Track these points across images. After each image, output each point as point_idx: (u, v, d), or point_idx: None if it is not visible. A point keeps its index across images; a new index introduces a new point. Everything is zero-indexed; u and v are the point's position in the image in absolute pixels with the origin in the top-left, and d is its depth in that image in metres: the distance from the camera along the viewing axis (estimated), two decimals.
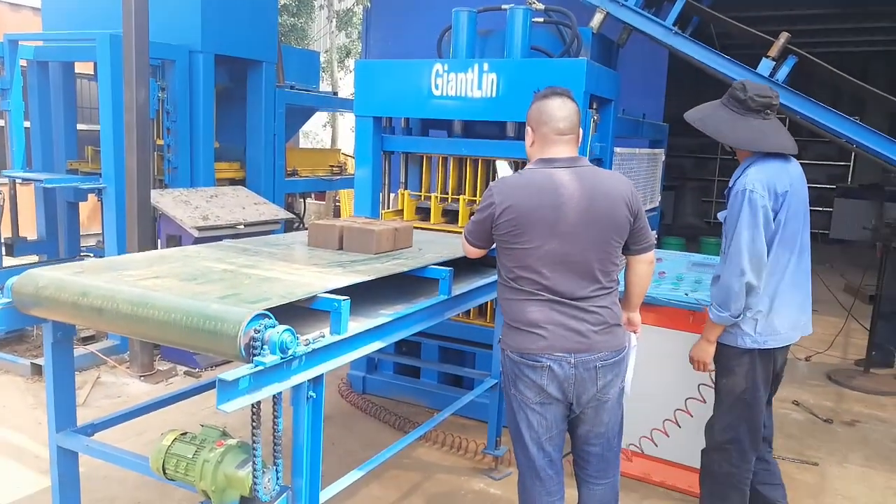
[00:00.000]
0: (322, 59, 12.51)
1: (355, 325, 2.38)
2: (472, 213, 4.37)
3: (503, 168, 4.05)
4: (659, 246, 6.50)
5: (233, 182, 6.47)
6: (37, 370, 4.93)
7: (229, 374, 1.84)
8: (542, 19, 4.56)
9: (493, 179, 4.03)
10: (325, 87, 13.85)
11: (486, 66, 4.10)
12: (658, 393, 3.64)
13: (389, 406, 4.63)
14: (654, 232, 4.56)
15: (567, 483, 2.67)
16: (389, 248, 3.25)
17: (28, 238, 6.49)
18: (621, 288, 2.70)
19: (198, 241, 4.73)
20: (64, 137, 6.26)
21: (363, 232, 3.20)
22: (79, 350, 4.98)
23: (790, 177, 2.77)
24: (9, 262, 6.29)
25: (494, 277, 3.29)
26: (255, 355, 1.93)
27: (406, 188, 4.80)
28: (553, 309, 2.45)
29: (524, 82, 3.96)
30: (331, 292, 2.36)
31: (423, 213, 4.64)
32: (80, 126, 6.56)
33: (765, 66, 4.63)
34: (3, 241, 6.10)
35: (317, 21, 17.35)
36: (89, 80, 7.12)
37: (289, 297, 2.25)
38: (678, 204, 13.30)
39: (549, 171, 2.48)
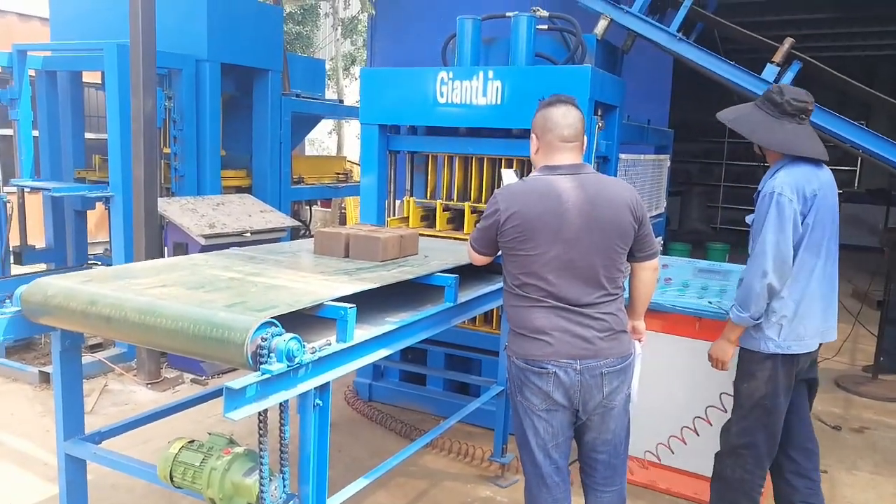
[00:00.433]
0: (327, 67, 12.57)
1: (361, 333, 2.39)
2: (476, 221, 4.40)
3: (508, 176, 4.06)
4: (665, 252, 6.50)
5: (239, 190, 6.50)
6: (45, 378, 4.96)
7: (236, 382, 1.84)
8: (546, 26, 4.57)
9: (499, 187, 4.05)
10: (330, 94, 13.92)
11: (490, 74, 4.11)
12: (676, 400, 3.62)
13: (395, 413, 4.62)
14: (660, 238, 4.55)
15: (574, 491, 2.67)
16: (395, 256, 3.26)
17: (36, 246, 6.53)
18: (626, 294, 2.71)
19: (204, 248, 4.75)
20: (72, 146, 6.30)
21: (369, 239, 3.21)
22: (86, 358, 5.00)
23: (820, 182, 2.77)
24: (17, 270, 6.33)
25: (500, 285, 3.29)
26: (261, 363, 1.94)
27: (412, 195, 4.82)
28: (559, 315, 2.45)
29: (529, 89, 3.97)
30: (337, 300, 2.37)
31: (429, 215, 4.65)
32: (87, 135, 6.60)
33: (769, 71, 4.63)
34: (11, 249, 6.14)
35: (322, 29, 17.44)
36: (97, 90, 7.17)
37: (295, 305, 2.26)
38: (684, 209, 13.29)
39: (553, 177, 2.50)
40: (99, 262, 6.60)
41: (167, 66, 5.55)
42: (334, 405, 4.06)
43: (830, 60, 4.99)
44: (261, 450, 2.10)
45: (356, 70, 17.02)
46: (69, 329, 2.49)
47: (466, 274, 3.16)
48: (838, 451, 4.40)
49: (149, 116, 4.79)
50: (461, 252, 3.54)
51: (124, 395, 4.89)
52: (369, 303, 2.71)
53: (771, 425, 2.86)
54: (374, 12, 9.11)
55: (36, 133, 6.15)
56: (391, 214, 4.76)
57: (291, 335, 1.98)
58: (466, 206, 4.41)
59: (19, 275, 5.83)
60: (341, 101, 10.16)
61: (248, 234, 5.26)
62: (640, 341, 2.84)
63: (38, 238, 6.67)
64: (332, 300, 2.36)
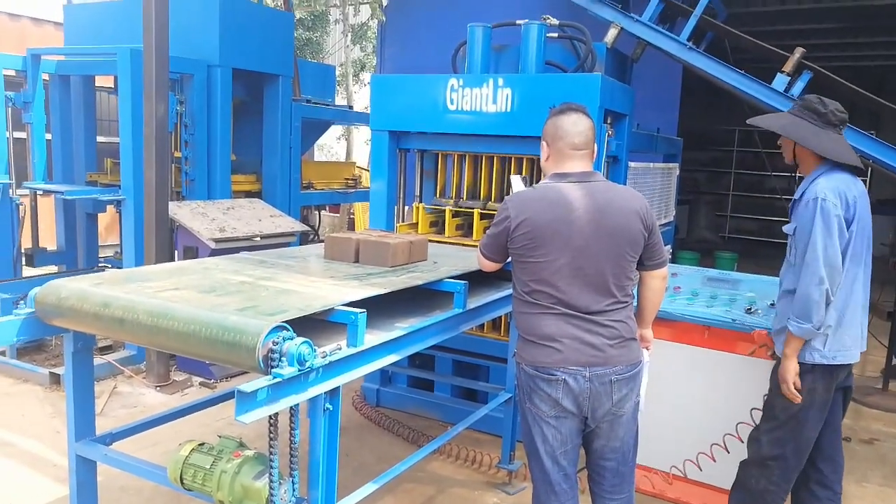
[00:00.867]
0: (337, 73, 12.63)
1: (371, 338, 2.40)
2: (486, 228, 4.41)
3: (517, 183, 4.07)
4: (673, 260, 6.48)
5: (249, 194, 6.53)
6: (55, 379, 4.99)
7: (248, 385, 1.86)
8: (556, 34, 4.59)
9: (508, 194, 4.06)
10: (340, 100, 13.97)
11: (500, 81, 4.13)
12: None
13: (403, 419, 4.63)
14: (668, 247, 4.55)
15: (582, 499, 2.66)
16: (405, 262, 3.27)
17: (48, 248, 6.58)
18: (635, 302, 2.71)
19: (214, 252, 4.78)
20: (84, 150, 6.36)
21: (379, 245, 3.23)
22: (96, 360, 5.01)
23: (858, 190, 2.78)
24: (29, 272, 6.38)
25: (509, 291, 3.30)
26: (273, 367, 1.95)
27: (421, 201, 4.84)
28: (568, 322, 2.46)
29: (539, 97, 3.99)
30: (347, 305, 2.38)
31: (438, 221, 4.66)
32: (99, 138, 6.66)
33: (780, 81, 4.63)
34: (23, 251, 6.19)
35: (332, 35, 17.53)
36: (109, 94, 7.23)
37: (306, 309, 2.27)
38: (692, 218, 13.26)
39: (563, 185, 2.51)
40: (109, 265, 6.65)
41: (179, 71, 5.60)
42: (342, 410, 4.07)
43: (840, 70, 4.98)
44: (271, 453, 2.11)
45: (366, 76, 17.09)
46: (82, 331, 2.52)
47: (475, 280, 3.17)
48: (847, 462, 4.31)
49: (161, 121, 4.83)
50: (470, 258, 3.55)
51: (133, 398, 4.91)
52: (379, 308, 2.72)
53: (803, 439, 2.83)
54: (383, 19, 9.16)
55: (49, 136, 6.21)
56: (400, 220, 4.78)
57: (303, 339, 2.00)
58: (476, 212, 4.42)
59: (31, 277, 5.88)
60: (351, 107, 10.22)
61: (258, 239, 5.28)
62: (647, 349, 2.83)
63: (50, 240, 6.72)
64: (343, 305, 2.37)
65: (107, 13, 6.57)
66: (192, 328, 2.11)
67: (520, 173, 4.28)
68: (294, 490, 2.19)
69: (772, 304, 3.51)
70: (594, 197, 2.47)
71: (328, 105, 7.93)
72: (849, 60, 10.09)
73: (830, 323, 2.73)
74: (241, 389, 1.84)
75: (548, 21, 4.51)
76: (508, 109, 4.11)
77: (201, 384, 5.22)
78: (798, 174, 2.95)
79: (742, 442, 3.42)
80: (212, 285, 2.63)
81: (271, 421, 2.07)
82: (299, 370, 1.98)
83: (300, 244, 5.65)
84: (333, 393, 2.21)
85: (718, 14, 5.79)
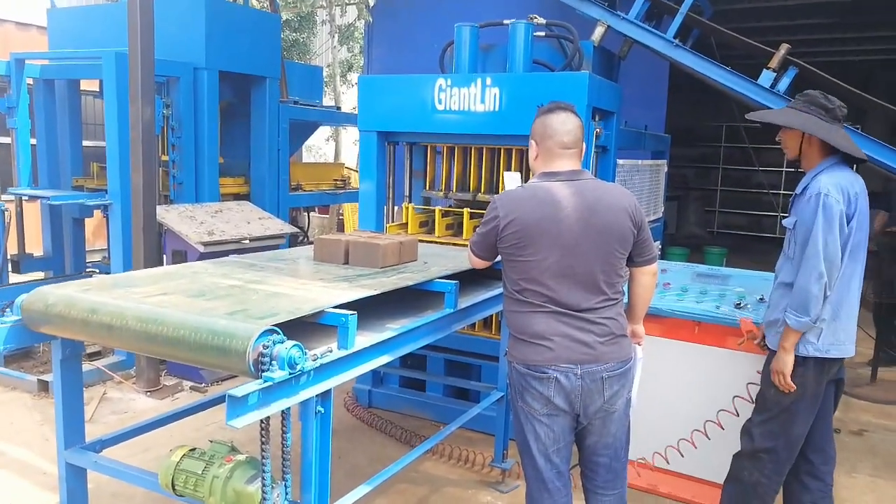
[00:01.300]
0: (325, 74, 12.60)
1: (362, 340, 2.39)
2: (475, 227, 4.42)
3: (511, 179, 4.08)
4: (663, 256, 6.51)
5: (237, 197, 6.50)
6: (43, 386, 4.95)
7: (239, 389, 1.85)
8: (543, 33, 4.60)
9: (501, 190, 4.07)
10: (328, 101, 13.93)
11: (488, 81, 4.13)
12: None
13: (395, 419, 4.62)
14: (658, 242, 4.56)
15: (575, 496, 2.67)
16: (395, 262, 3.27)
17: (34, 254, 6.52)
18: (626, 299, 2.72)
19: (203, 256, 4.76)
20: (70, 154, 6.31)
21: (369, 246, 3.22)
22: (85, 366, 4.99)
23: (860, 186, 2.80)
24: (15, 278, 6.32)
25: (500, 290, 3.30)
26: (263, 371, 1.94)
27: (410, 201, 4.83)
28: (559, 321, 2.47)
29: (527, 96, 3.99)
30: (338, 307, 2.37)
31: (428, 221, 4.65)
32: (85, 143, 6.60)
33: (766, 77, 4.65)
34: (9, 257, 6.13)
35: (319, 36, 17.46)
36: (94, 97, 7.17)
37: (296, 312, 2.26)
38: (681, 214, 13.31)
39: (552, 184, 2.52)
40: (97, 270, 6.60)
41: (165, 74, 5.56)
42: (334, 411, 4.05)
43: (826, 66, 5.01)
44: (263, 457, 2.11)
45: (353, 77, 17.04)
46: (70, 337, 2.50)
47: (466, 280, 3.17)
48: (838, 454, 4.36)
49: (147, 124, 4.79)
50: (460, 258, 3.55)
51: (124, 403, 4.88)
52: (370, 309, 2.71)
53: (794, 432, 2.85)
54: (370, 19, 9.14)
55: (34, 141, 6.15)
56: (390, 220, 4.78)
57: (293, 343, 1.99)
58: (465, 211, 4.42)
59: (17, 283, 5.82)
60: (339, 108, 10.20)
61: (247, 242, 5.26)
62: (639, 345, 2.85)
63: (36, 246, 6.66)
64: (333, 307, 2.36)
65: (91, 17, 6.52)
66: (181, 333, 2.10)
67: (515, 170, 4.27)
68: (287, 494, 2.19)
69: (761, 299, 3.53)
70: (583, 195, 2.48)
71: (316, 106, 7.91)
72: (836, 56, 10.16)
73: (825, 317, 2.75)
74: (232, 394, 1.83)
75: (535, 20, 4.52)
76: (496, 109, 4.11)
77: (192, 388, 5.20)
78: (800, 169, 2.96)
79: (722, 429, 3.50)
80: (201, 289, 2.61)
81: (263, 425, 2.06)
82: (290, 373, 1.97)
83: (289, 246, 5.64)
84: (325, 396, 2.21)
85: (704, 11, 5.81)
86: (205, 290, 2.60)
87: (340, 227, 11.67)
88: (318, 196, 7.81)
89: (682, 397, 3.64)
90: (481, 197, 4.53)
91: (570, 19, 4.74)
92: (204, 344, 2.04)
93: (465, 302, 3.05)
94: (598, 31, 5.00)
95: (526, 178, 4.06)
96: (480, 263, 2.80)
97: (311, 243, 3.61)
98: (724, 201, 14.71)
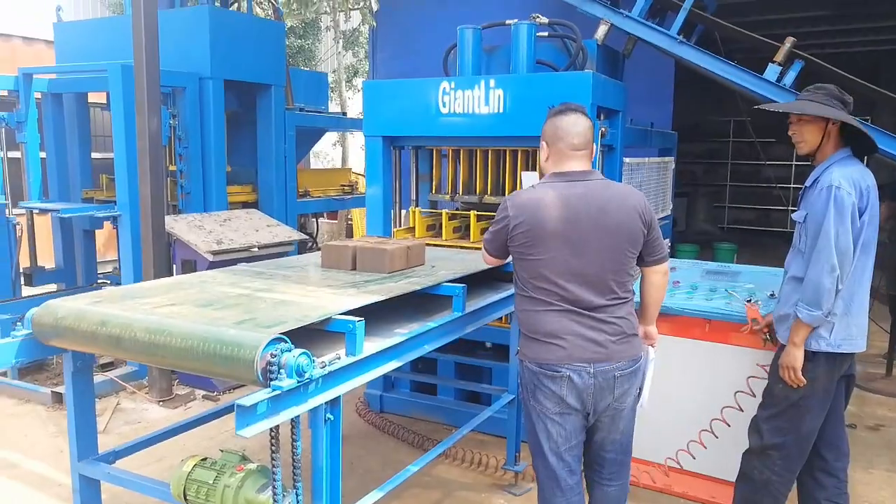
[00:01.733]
0: (330, 80, 12.63)
1: (371, 346, 2.39)
2: (483, 229, 4.42)
3: (529, 180, 4.08)
4: (672, 254, 6.48)
5: (245, 205, 6.53)
6: (57, 398, 4.98)
7: (247, 399, 1.85)
8: (546, 33, 4.58)
9: (520, 188, 4.07)
10: (333, 107, 13.97)
11: (492, 83, 4.12)
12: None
13: (407, 424, 4.62)
14: (667, 240, 4.54)
15: None
16: (402, 267, 3.27)
17: (46, 267, 6.57)
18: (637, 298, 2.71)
19: (213, 265, 4.77)
20: (79, 167, 6.36)
21: (376, 252, 3.22)
22: (98, 377, 5.02)
23: (871, 180, 2.78)
24: (28, 291, 6.37)
25: (508, 292, 3.32)
26: (272, 379, 1.94)
27: (417, 205, 4.83)
28: (571, 319, 2.49)
29: (531, 97, 3.98)
30: (345, 313, 2.37)
31: (435, 225, 4.65)
32: (94, 154, 6.65)
33: (771, 71, 4.62)
34: (22, 270, 6.18)
35: (324, 42, 17.53)
36: (102, 110, 7.23)
37: (304, 320, 2.27)
38: (690, 210, 13.26)
39: (563, 184, 2.54)
40: (108, 281, 6.64)
41: (171, 84, 5.60)
42: (346, 417, 4.05)
43: (833, 57, 4.98)
44: (273, 466, 2.10)
45: (359, 82, 17.09)
46: (80, 350, 2.51)
47: (474, 283, 3.16)
48: (853, 449, 4.30)
49: (154, 135, 4.82)
50: (468, 261, 3.55)
51: (137, 414, 4.90)
52: (378, 315, 2.72)
53: (805, 428, 2.82)
54: (374, 24, 9.16)
55: (43, 155, 6.20)
56: (397, 225, 4.78)
57: (301, 350, 1.99)
58: (472, 214, 4.41)
59: (30, 296, 5.87)
60: (344, 114, 10.21)
61: (256, 249, 5.28)
62: (652, 346, 2.84)
63: (48, 259, 6.72)
64: (341, 314, 2.36)
65: (97, 30, 6.57)
66: (189, 343, 2.10)
67: (532, 170, 4.27)
68: (298, 502, 2.18)
69: (771, 295, 3.50)
70: (594, 195, 2.50)
71: (321, 112, 7.94)
72: (842, 47, 10.09)
73: (837, 311, 2.72)
74: (241, 403, 1.83)
75: (537, 20, 4.51)
76: (501, 110, 4.10)
77: (204, 397, 5.21)
78: (809, 162, 2.94)
79: (728, 426, 3.49)
80: (209, 299, 2.62)
81: (273, 433, 2.06)
82: (298, 381, 1.97)
83: (298, 253, 5.65)
84: (334, 403, 2.20)
85: (708, 6, 5.79)
86: (213, 300, 2.60)
87: (349, 233, 11.69)
88: (326, 202, 7.83)
89: (685, 397, 3.62)
90: (488, 199, 4.53)
91: (573, 18, 4.73)
92: (212, 354, 2.04)
93: (473, 305, 3.04)
94: (602, 30, 4.98)
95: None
96: (494, 261, 2.84)
97: (320, 249, 3.62)
98: (733, 197, 14.63)
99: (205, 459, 2.40)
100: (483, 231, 4.44)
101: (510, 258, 2.69)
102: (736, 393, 3.46)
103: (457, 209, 4.76)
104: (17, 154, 6.15)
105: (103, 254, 8.65)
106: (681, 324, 3.58)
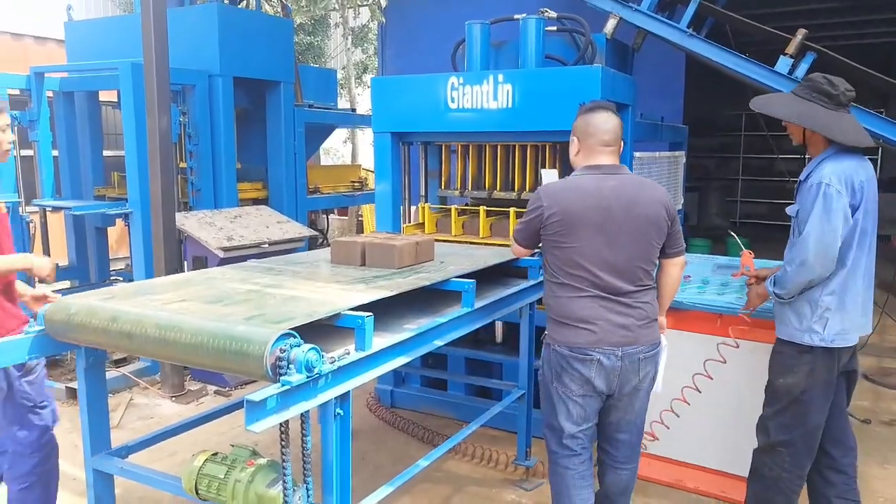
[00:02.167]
0: (339, 76, 12.65)
1: (380, 341, 2.40)
2: (492, 224, 4.41)
3: (548, 177, 4.09)
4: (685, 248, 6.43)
5: (256, 202, 6.55)
6: (72, 394, 5.02)
7: (257, 394, 1.86)
8: (555, 28, 4.56)
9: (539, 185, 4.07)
10: (343, 103, 13.99)
11: (501, 78, 4.11)
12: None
13: (418, 419, 4.63)
14: None
15: None
16: (412, 262, 3.27)
17: (60, 264, 6.62)
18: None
19: (223, 261, 4.79)
20: (91, 165, 6.39)
21: (385, 247, 3.23)
22: (111, 372, 5.06)
23: (866, 174, 2.75)
24: (41, 288, 6.41)
25: (518, 288, 3.33)
26: (281, 375, 1.95)
27: (426, 201, 4.83)
28: (601, 305, 2.63)
29: (540, 92, 3.97)
30: (354, 309, 2.38)
31: (445, 216, 4.65)
32: (105, 152, 6.69)
33: (783, 63, 4.57)
34: None
35: (333, 39, 17.54)
36: (113, 108, 7.26)
37: (313, 315, 2.27)
38: (702, 205, 13.16)
39: (595, 176, 2.69)
40: (121, 278, 6.69)
41: (181, 82, 5.62)
42: (356, 412, 4.06)
43: (845, 49, 4.93)
44: (283, 461, 2.12)
45: (368, 78, 17.09)
46: (92, 346, 2.53)
47: (483, 278, 3.16)
48: (868, 444, 4.32)
49: (164, 133, 4.85)
50: (477, 257, 3.55)
51: (149, 409, 4.94)
52: (387, 310, 2.72)
53: (810, 422, 2.81)
54: (383, 20, 9.15)
55: (55, 153, 6.25)
56: (407, 221, 4.78)
57: (310, 346, 2.00)
58: (482, 209, 4.41)
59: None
60: (354, 110, 10.23)
61: (266, 246, 5.30)
62: (662, 335, 2.90)
63: (62, 256, 6.77)
64: (350, 309, 2.37)
65: (108, 28, 6.60)
66: (199, 339, 2.11)
67: (550, 167, 4.26)
68: (308, 496, 2.20)
69: None
70: (624, 188, 2.66)
71: (331, 109, 7.93)
72: (854, 39, 9.96)
73: (830, 307, 2.73)
74: (250, 399, 1.84)
75: (546, 14, 4.49)
76: (510, 105, 4.09)
77: (216, 392, 5.25)
78: (808, 156, 2.92)
79: (689, 405, 3.58)
80: (219, 295, 2.64)
81: (282, 428, 2.07)
82: (308, 377, 1.98)
83: (308, 249, 5.67)
84: (343, 398, 2.21)
85: None
86: (223, 296, 2.62)
87: (360, 229, 11.71)
88: (336, 198, 7.84)
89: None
90: (497, 194, 4.51)
91: (582, 12, 4.70)
92: (222, 349, 2.05)
93: (482, 301, 3.04)
94: (611, 24, 4.94)
95: (561, 175, 4.05)
96: (523, 252, 2.99)
97: (330, 245, 3.64)
98: (745, 191, 14.52)
99: (216, 454, 2.41)
100: (492, 227, 4.44)
101: (535, 250, 2.86)
102: (694, 376, 3.55)
103: (466, 205, 4.75)
104: (29, 152, 6.19)
105: (116, 251, 8.71)
106: (692, 318, 3.56)
